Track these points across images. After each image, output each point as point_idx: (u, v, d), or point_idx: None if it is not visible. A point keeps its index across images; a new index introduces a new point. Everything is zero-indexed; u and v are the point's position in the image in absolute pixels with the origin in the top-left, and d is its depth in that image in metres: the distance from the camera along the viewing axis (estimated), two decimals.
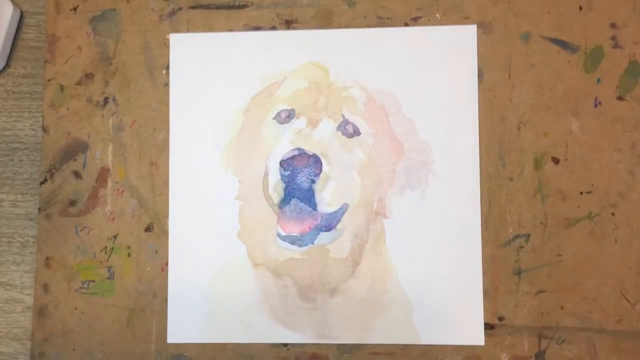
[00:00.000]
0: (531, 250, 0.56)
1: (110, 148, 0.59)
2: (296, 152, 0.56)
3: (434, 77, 0.57)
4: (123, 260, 0.57)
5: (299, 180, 0.56)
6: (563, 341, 0.55)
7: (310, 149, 0.56)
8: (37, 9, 0.61)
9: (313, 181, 0.56)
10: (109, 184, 0.58)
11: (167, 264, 0.57)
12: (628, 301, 0.55)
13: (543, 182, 0.56)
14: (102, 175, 0.58)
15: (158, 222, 0.58)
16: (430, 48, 0.58)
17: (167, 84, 0.59)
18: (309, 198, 0.56)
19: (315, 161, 0.56)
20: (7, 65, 0.61)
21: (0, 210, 0.60)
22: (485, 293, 0.55)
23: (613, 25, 0.57)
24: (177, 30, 0.59)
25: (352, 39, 0.58)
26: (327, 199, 0.56)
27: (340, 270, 0.56)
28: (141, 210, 0.58)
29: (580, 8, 0.57)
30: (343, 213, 0.56)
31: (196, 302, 0.56)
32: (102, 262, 0.58)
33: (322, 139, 0.57)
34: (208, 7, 0.59)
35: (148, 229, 0.58)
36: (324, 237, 0.56)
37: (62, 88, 0.59)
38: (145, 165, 0.58)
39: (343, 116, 0.57)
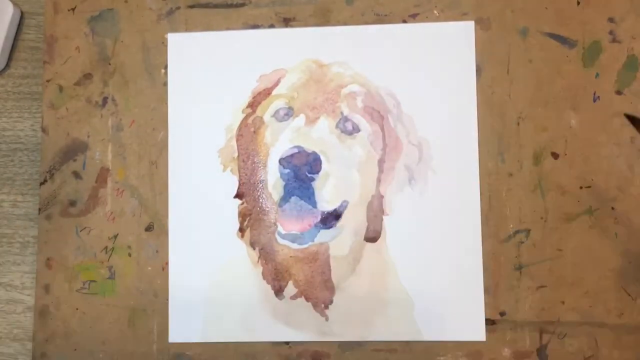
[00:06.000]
0: (532, 246, 0.53)
1: (109, 148, 0.56)
2: (295, 150, 0.54)
3: (432, 74, 0.55)
4: (124, 260, 0.55)
5: (298, 178, 0.54)
6: (564, 336, 0.53)
7: (309, 146, 0.54)
8: (37, 10, 0.59)
9: (312, 179, 0.54)
10: (109, 184, 0.56)
11: (167, 263, 0.55)
12: (629, 295, 0.53)
13: (543, 177, 0.54)
14: (102, 175, 0.56)
15: (158, 221, 0.55)
16: (429, 44, 0.55)
17: (165, 84, 0.57)
18: (308, 196, 0.54)
19: (315, 159, 0.54)
20: (7, 65, 0.59)
21: (0, 211, 0.57)
22: (486, 289, 0.53)
23: (611, 20, 0.55)
24: (175, 29, 0.57)
25: (350, 36, 0.56)
26: (327, 196, 0.54)
27: (340, 267, 0.54)
28: (141, 210, 0.55)
29: (578, 3, 0.55)
30: (343, 210, 0.54)
31: (197, 301, 0.54)
32: (102, 262, 0.55)
33: (321, 136, 0.54)
34: (206, 6, 0.57)
35: (148, 228, 0.55)
36: (324, 234, 0.54)
37: (61, 88, 0.57)
38: (145, 164, 0.56)
39: (342, 113, 0.55)
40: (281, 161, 0.54)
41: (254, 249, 0.54)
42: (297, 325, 0.54)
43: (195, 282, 0.54)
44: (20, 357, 0.55)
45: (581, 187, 0.54)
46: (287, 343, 0.54)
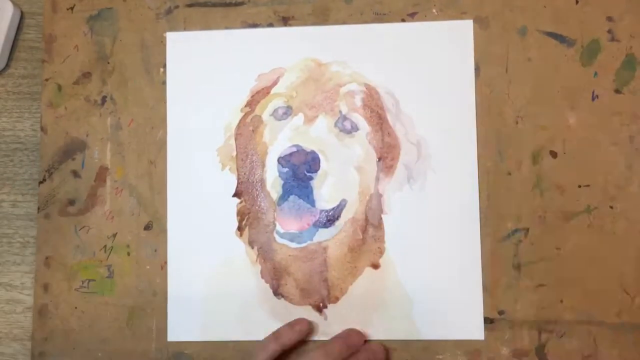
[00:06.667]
0: (530, 244, 0.53)
1: (108, 147, 0.56)
2: (294, 149, 0.53)
3: (431, 73, 0.55)
4: (123, 259, 0.55)
5: (297, 176, 0.53)
6: (563, 335, 0.52)
7: (308, 145, 0.53)
8: (37, 10, 0.59)
9: (311, 178, 0.53)
10: (108, 182, 0.56)
11: (166, 262, 0.54)
12: (627, 294, 0.52)
13: (541, 176, 0.53)
14: (101, 174, 0.56)
15: (157, 220, 0.55)
16: (427, 43, 0.55)
17: (164, 82, 0.56)
18: (307, 195, 0.53)
19: (313, 158, 0.53)
20: (7, 65, 0.58)
21: (0, 211, 0.57)
22: (485, 287, 0.53)
23: (609, 19, 0.55)
24: (174, 28, 0.57)
25: (349, 35, 0.56)
26: (326, 195, 0.53)
27: (339, 266, 0.53)
28: (140, 209, 0.55)
29: (577, 2, 0.55)
30: (341, 209, 0.54)
31: (196, 300, 0.54)
32: (101, 261, 0.55)
33: (319, 135, 0.54)
34: (205, 4, 0.57)
35: (147, 227, 0.55)
36: (322, 233, 0.54)
37: (59, 87, 0.57)
38: (144, 163, 0.56)
39: (340, 112, 0.54)
40: (280, 160, 0.53)
41: (253, 247, 0.54)
42: None
43: (194, 280, 0.54)
44: (20, 357, 0.55)
45: (580, 186, 0.53)
46: None
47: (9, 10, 0.57)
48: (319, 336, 0.53)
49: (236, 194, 0.55)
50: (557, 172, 0.53)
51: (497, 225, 0.53)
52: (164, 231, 0.55)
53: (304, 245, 0.54)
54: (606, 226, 0.53)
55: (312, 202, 0.53)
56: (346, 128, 0.54)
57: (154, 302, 0.54)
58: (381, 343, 0.52)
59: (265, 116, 0.55)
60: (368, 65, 0.55)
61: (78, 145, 0.56)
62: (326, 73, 0.55)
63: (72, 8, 0.57)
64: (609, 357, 0.52)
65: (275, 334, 0.51)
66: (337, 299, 0.53)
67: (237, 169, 0.55)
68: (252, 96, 0.55)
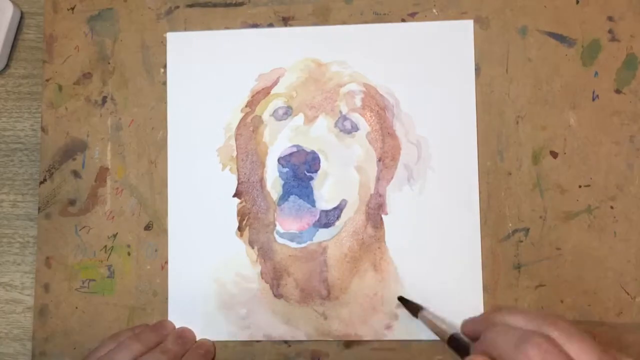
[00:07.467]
0: (530, 245, 0.53)
1: (109, 147, 0.56)
2: (294, 149, 0.53)
3: (431, 73, 0.55)
4: (123, 259, 0.55)
5: (297, 177, 0.53)
6: None
7: (308, 145, 0.53)
8: (37, 10, 0.59)
9: (311, 178, 0.53)
10: (108, 183, 0.55)
11: (167, 262, 0.54)
12: (628, 294, 0.52)
13: (542, 176, 0.53)
14: (101, 175, 0.56)
15: (158, 220, 0.55)
16: (428, 43, 0.55)
17: (164, 83, 0.56)
18: (307, 195, 0.53)
19: (314, 158, 0.53)
20: (7, 65, 0.58)
21: (0, 211, 0.57)
22: (485, 287, 0.53)
23: (610, 19, 0.54)
24: (174, 28, 0.57)
25: (349, 35, 0.55)
26: (326, 195, 0.53)
27: (339, 266, 0.53)
28: (140, 209, 0.55)
29: (577, 2, 0.55)
30: (342, 209, 0.53)
31: (196, 300, 0.54)
32: (102, 261, 0.55)
33: (319, 135, 0.54)
34: (205, 5, 0.57)
35: (148, 227, 0.55)
36: (322, 233, 0.53)
37: (60, 88, 0.57)
38: (144, 164, 0.55)
39: (341, 112, 0.54)
40: (280, 160, 0.53)
41: (253, 247, 0.54)
42: (296, 324, 0.53)
43: (194, 281, 0.54)
44: (20, 357, 0.55)
45: (580, 186, 0.53)
46: (286, 342, 0.53)
47: (9, 10, 0.57)
48: (319, 336, 0.53)
49: (236, 194, 0.55)
50: (557, 172, 0.53)
51: (498, 225, 0.53)
52: (164, 231, 0.55)
53: (304, 245, 0.53)
54: (606, 226, 0.53)
55: (312, 202, 0.53)
56: (346, 128, 0.54)
57: (154, 302, 0.54)
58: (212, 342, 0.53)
59: (266, 116, 0.55)
60: (368, 65, 0.55)
61: (78, 145, 0.56)
62: (326, 73, 0.55)
63: (72, 8, 0.57)
64: None
65: (137, 335, 0.50)
66: (337, 299, 0.53)
67: (238, 169, 0.55)
68: (253, 96, 0.55)
